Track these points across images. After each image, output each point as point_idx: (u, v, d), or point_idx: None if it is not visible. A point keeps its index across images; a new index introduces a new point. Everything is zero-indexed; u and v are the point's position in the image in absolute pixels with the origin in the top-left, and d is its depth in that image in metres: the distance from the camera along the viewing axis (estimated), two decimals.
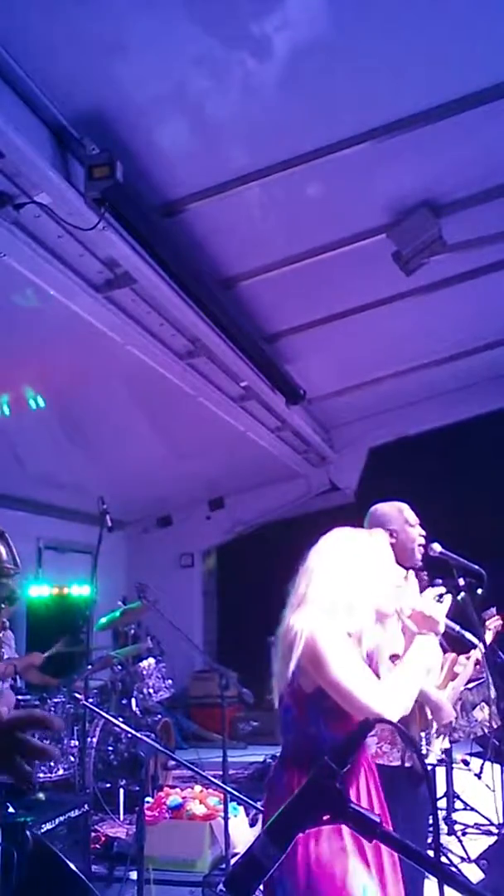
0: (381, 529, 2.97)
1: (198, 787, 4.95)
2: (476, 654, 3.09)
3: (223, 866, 4.17)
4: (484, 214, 4.98)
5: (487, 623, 3.66)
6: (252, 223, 4.91)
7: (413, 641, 2.18)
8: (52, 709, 4.97)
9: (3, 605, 0.86)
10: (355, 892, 1.84)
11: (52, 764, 4.71)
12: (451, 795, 4.94)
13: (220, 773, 3.94)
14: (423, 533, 3.15)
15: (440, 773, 4.83)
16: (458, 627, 2.82)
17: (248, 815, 4.96)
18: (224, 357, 5.98)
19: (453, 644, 2.99)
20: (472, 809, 4.96)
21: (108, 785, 5.25)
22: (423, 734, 2.87)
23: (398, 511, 3.28)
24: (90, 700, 4.90)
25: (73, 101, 3.56)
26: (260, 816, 3.55)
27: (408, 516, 3.25)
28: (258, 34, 3.49)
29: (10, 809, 2.24)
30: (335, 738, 1.95)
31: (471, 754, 5.48)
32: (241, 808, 4.74)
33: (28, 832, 2.58)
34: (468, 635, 2.95)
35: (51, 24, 3.23)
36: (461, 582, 3.12)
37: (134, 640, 6.77)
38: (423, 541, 3.06)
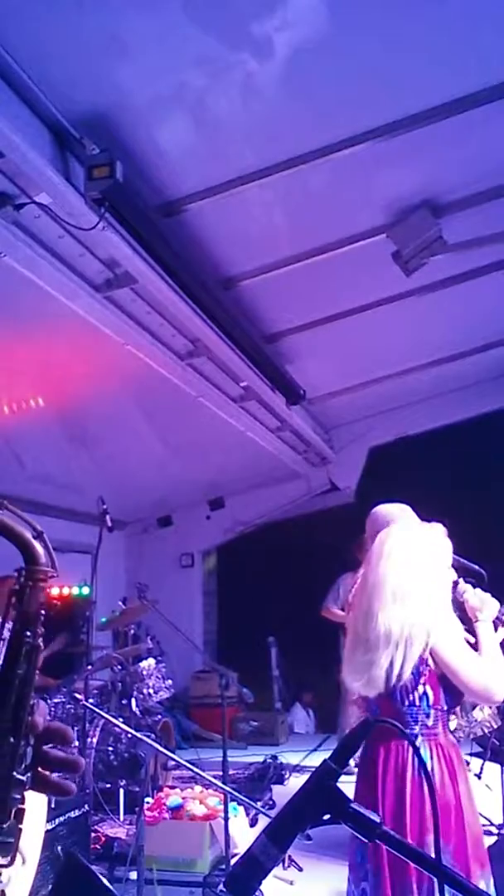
0: (438, 525, 3.00)
1: (198, 788, 4.95)
2: None
3: (223, 866, 4.17)
4: (484, 214, 4.98)
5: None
6: (252, 223, 4.92)
7: (478, 628, 2.39)
8: (52, 709, 4.97)
9: (42, 614, 0.83)
10: None
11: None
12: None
13: (220, 773, 3.93)
14: None
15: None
16: None
17: (248, 815, 4.96)
18: (224, 357, 5.98)
19: None
20: None
21: (108, 785, 5.25)
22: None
23: (396, 512, 3.29)
24: (90, 700, 4.91)
25: (73, 101, 3.55)
26: (260, 817, 3.57)
27: (410, 518, 3.25)
28: (258, 34, 3.49)
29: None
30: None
31: (471, 754, 5.48)
32: (241, 808, 4.74)
33: (59, 845, 2.58)
34: None
35: (51, 24, 3.23)
36: (462, 582, 3.12)
37: (134, 640, 6.76)
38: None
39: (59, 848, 2.66)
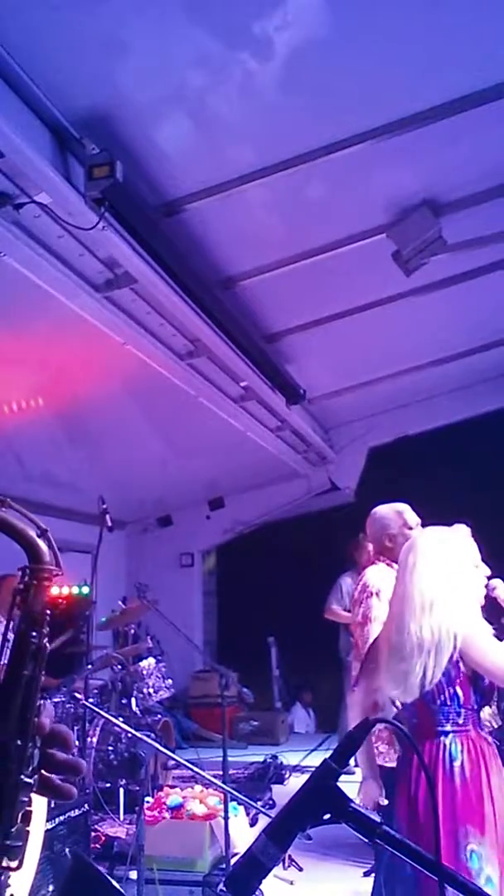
0: (462, 526, 3.03)
1: (198, 787, 4.95)
2: None
3: (223, 866, 4.17)
4: (484, 214, 4.98)
5: None
6: (252, 223, 4.92)
7: None
8: (53, 709, 4.97)
9: (48, 613, 0.81)
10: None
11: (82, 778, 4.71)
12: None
13: (220, 772, 3.93)
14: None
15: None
16: None
17: (248, 815, 4.96)
18: (224, 357, 5.98)
19: None
20: None
21: (108, 785, 5.25)
22: None
23: (396, 513, 3.29)
24: (90, 700, 4.90)
25: (73, 101, 3.55)
26: (260, 817, 3.59)
27: (407, 518, 3.25)
28: (258, 34, 3.49)
29: None
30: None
31: None
32: (241, 808, 4.74)
33: (66, 847, 2.57)
34: None
35: (51, 24, 3.23)
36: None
37: (134, 640, 6.76)
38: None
39: (67, 849, 2.65)
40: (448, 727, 2.29)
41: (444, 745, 2.26)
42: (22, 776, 0.85)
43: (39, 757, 0.88)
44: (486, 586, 2.54)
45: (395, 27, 3.56)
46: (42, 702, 0.89)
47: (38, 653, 0.88)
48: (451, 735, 2.28)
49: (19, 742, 0.85)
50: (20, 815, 0.84)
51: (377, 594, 3.22)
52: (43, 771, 0.88)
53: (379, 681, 2.40)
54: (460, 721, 2.28)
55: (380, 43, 3.64)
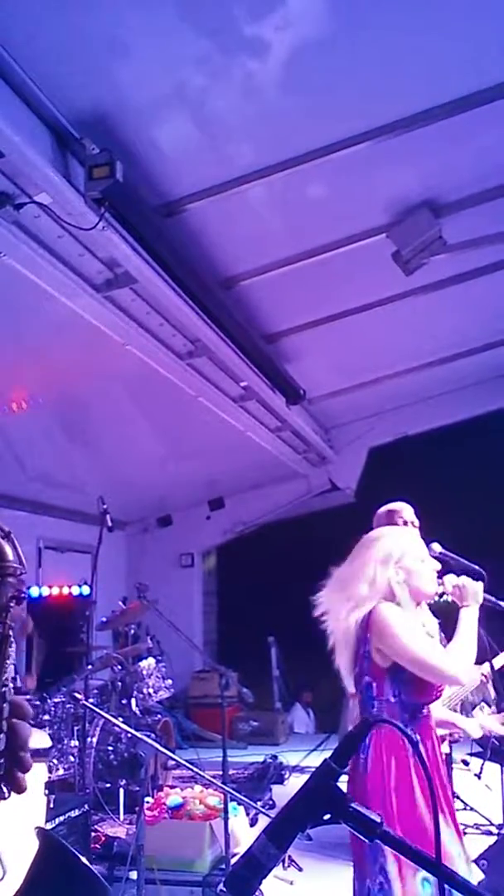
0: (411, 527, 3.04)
1: (198, 787, 4.95)
2: (485, 668, 3.13)
3: (223, 866, 4.17)
4: (484, 214, 4.98)
5: None
6: (252, 223, 4.92)
7: (462, 613, 2.47)
8: (53, 709, 4.97)
9: (11, 606, 0.89)
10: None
11: (54, 761, 4.72)
12: (451, 795, 4.93)
13: (220, 773, 3.93)
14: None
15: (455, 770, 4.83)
16: (493, 598, 2.85)
17: (248, 815, 4.96)
18: (224, 357, 5.98)
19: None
20: (472, 809, 4.96)
21: (108, 785, 5.25)
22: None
23: (386, 512, 3.32)
24: (90, 700, 4.90)
25: (73, 100, 3.55)
26: (260, 817, 3.60)
27: (396, 517, 3.27)
28: (258, 34, 3.49)
29: None
30: (414, 703, 2.28)
31: (471, 754, 5.47)
32: (241, 808, 4.74)
33: (36, 829, 2.57)
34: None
35: (51, 24, 3.23)
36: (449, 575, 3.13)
37: (134, 640, 6.76)
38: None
39: (35, 829, 2.63)
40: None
41: (412, 747, 2.21)
42: None
43: (5, 746, 0.93)
44: (439, 581, 2.53)
45: (396, 27, 3.56)
46: (10, 689, 0.95)
47: (2, 642, 0.96)
48: None
49: None
50: None
51: None
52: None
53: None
54: (374, 712, 2.27)
55: (380, 43, 3.64)
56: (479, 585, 2.54)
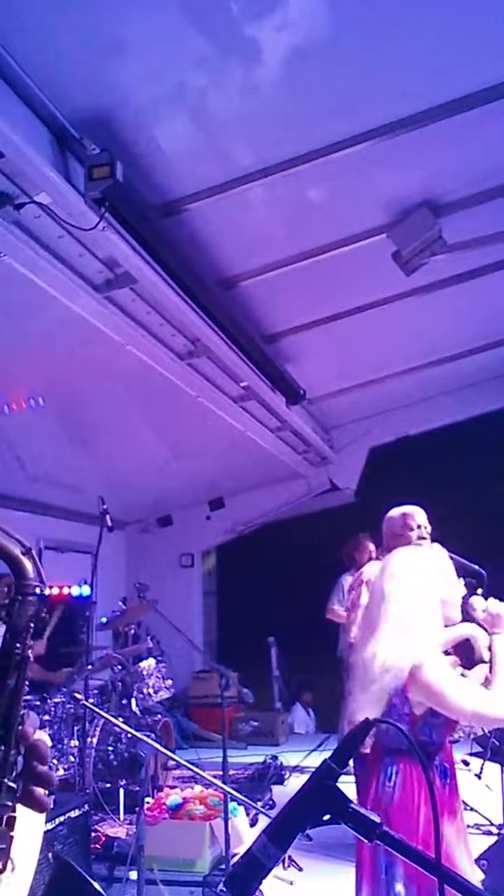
0: (437, 544, 2.98)
1: (198, 787, 4.95)
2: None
3: (223, 866, 4.17)
4: (484, 214, 4.98)
5: None
6: (252, 223, 4.92)
7: (494, 641, 2.32)
8: (53, 709, 4.98)
9: (31, 626, 0.86)
10: None
11: (54, 762, 4.73)
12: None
13: (220, 773, 3.93)
14: (424, 535, 3.16)
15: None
16: None
17: (248, 815, 4.96)
18: (224, 357, 5.98)
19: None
20: (472, 809, 4.96)
21: (108, 785, 5.25)
22: None
23: (401, 515, 3.31)
24: (90, 700, 4.91)
25: (73, 100, 3.55)
26: (260, 817, 3.60)
27: (409, 521, 3.26)
28: (258, 34, 3.49)
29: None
30: (442, 740, 2.23)
31: (471, 754, 5.48)
32: (241, 809, 4.74)
33: (59, 845, 2.59)
34: None
35: (51, 24, 3.23)
36: (461, 582, 3.12)
37: (134, 640, 6.76)
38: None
39: (50, 854, 2.65)
40: (391, 748, 2.24)
41: (383, 766, 2.23)
42: (4, 780, 0.87)
43: (25, 764, 0.90)
44: (465, 605, 2.42)
45: (396, 27, 3.56)
46: (26, 711, 0.92)
47: (22, 663, 0.93)
48: (393, 756, 2.23)
49: (2, 747, 0.89)
50: (4, 819, 0.87)
51: (367, 583, 3.26)
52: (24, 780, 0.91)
53: (355, 700, 2.29)
54: (404, 747, 2.20)
55: (380, 43, 3.64)
56: None
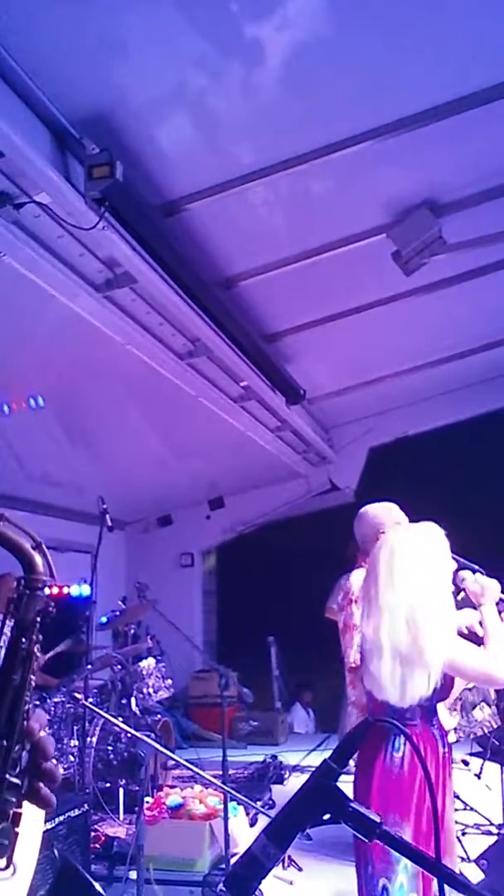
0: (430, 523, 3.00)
1: (198, 787, 4.95)
2: None
3: (223, 866, 4.17)
4: (484, 214, 4.98)
5: None
6: (252, 223, 4.92)
7: (482, 612, 2.49)
8: (53, 709, 4.98)
9: (39, 620, 0.86)
10: None
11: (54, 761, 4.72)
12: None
13: (220, 773, 3.93)
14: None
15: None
16: None
17: (247, 815, 4.96)
18: (224, 357, 5.98)
19: None
20: (472, 809, 4.96)
21: (108, 785, 5.25)
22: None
23: (387, 510, 3.30)
24: (90, 700, 4.90)
25: (73, 100, 3.55)
26: (260, 817, 3.61)
27: (396, 516, 3.26)
28: (258, 34, 3.49)
29: None
30: (435, 705, 2.37)
31: (471, 754, 5.48)
32: (241, 808, 4.74)
33: (55, 849, 2.61)
34: None
35: (51, 24, 3.23)
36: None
37: (134, 640, 6.76)
38: None
39: (56, 851, 2.66)
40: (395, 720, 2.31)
41: (390, 736, 2.32)
42: (7, 776, 0.86)
43: (27, 760, 0.90)
44: (455, 580, 2.52)
45: (396, 27, 3.56)
46: (34, 707, 0.92)
47: (28, 659, 0.92)
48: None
49: (6, 743, 0.88)
50: (8, 815, 0.86)
51: (356, 602, 3.22)
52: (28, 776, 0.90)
53: (368, 681, 2.37)
54: (407, 716, 2.30)
55: (380, 43, 3.64)
56: (496, 584, 2.56)
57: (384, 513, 3.33)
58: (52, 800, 0.92)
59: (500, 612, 2.86)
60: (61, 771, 4.44)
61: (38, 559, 0.95)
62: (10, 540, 0.96)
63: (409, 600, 2.29)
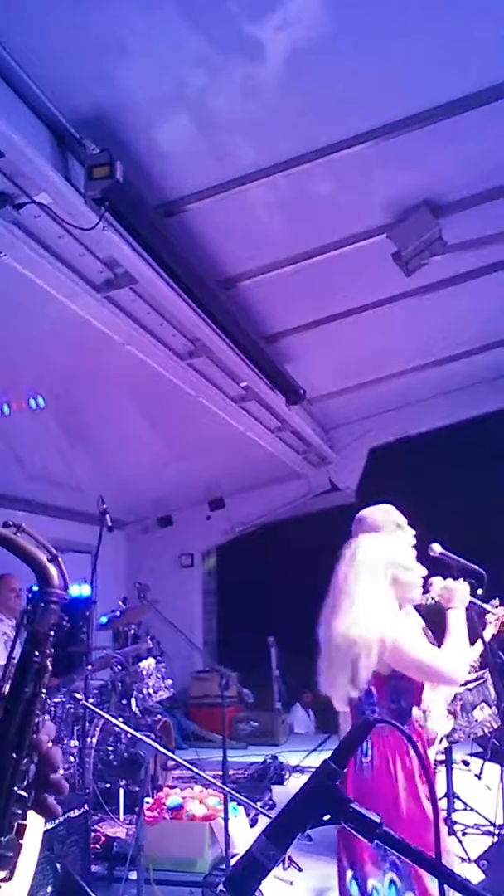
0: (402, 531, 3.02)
1: (198, 788, 4.95)
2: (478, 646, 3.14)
3: (223, 866, 4.17)
4: (484, 214, 4.98)
5: (489, 616, 3.66)
6: (252, 223, 4.91)
7: (448, 616, 2.53)
8: (52, 708, 4.97)
9: (52, 633, 0.85)
10: None
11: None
12: (451, 796, 4.94)
13: (220, 773, 3.93)
14: (414, 533, 3.15)
15: (440, 773, 4.83)
16: (478, 601, 2.87)
17: (248, 815, 4.96)
18: (224, 357, 5.98)
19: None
20: (472, 810, 4.96)
21: (108, 785, 5.25)
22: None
23: (384, 513, 3.29)
24: (90, 700, 4.90)
25: (73, 100, 3.55)
26: (260, 817, 3.62)
27: (396, 518, 3.25)
28: (258, 34, 3.49)
29: None
30: (408, 708, 2.38)
31: (471, 754, 5.48)
32: (241, 808, 4.74)
33: (58, 864, 2.63)
34: (488, 607, 3.06)
35: (51, 24, 3.23)
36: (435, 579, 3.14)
37: (134, 640, 6.76)
38: (413, 541, 3.06)
39: (58, 864, 2.66)
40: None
41: (410, 744, 2.31)
42: (15, 788, 0.86)
43: (34, 773, 0.90)
44: (425, 585, 2.57)
45: (396, 27, 3.56)
46: (41, 719, 0.91)
47: (40, 672, 0.92)
48: None
49: (14, 755, 0.88)
50: (14, 827, 0.86)
51: None
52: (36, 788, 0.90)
53: (322, 673, 2.45)
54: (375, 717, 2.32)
55: (380, 43, 3.63)
56: (466, 587, 2.61)
57: (383, 516, 3.32)
58: (59, 811, 0.93)
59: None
60: (60, 772, 4.46)
61: (53, 572, 0.96)
62: (27, 551, 0.96)
63: (351, 591, 2.40)
